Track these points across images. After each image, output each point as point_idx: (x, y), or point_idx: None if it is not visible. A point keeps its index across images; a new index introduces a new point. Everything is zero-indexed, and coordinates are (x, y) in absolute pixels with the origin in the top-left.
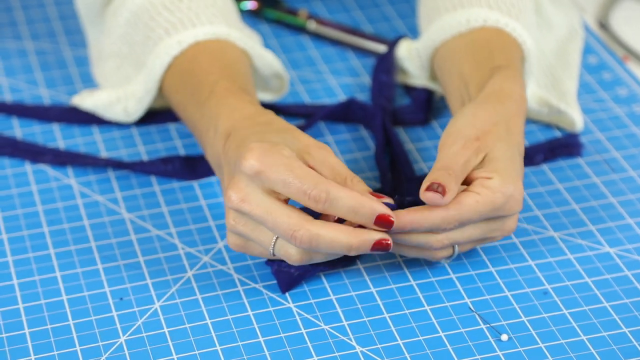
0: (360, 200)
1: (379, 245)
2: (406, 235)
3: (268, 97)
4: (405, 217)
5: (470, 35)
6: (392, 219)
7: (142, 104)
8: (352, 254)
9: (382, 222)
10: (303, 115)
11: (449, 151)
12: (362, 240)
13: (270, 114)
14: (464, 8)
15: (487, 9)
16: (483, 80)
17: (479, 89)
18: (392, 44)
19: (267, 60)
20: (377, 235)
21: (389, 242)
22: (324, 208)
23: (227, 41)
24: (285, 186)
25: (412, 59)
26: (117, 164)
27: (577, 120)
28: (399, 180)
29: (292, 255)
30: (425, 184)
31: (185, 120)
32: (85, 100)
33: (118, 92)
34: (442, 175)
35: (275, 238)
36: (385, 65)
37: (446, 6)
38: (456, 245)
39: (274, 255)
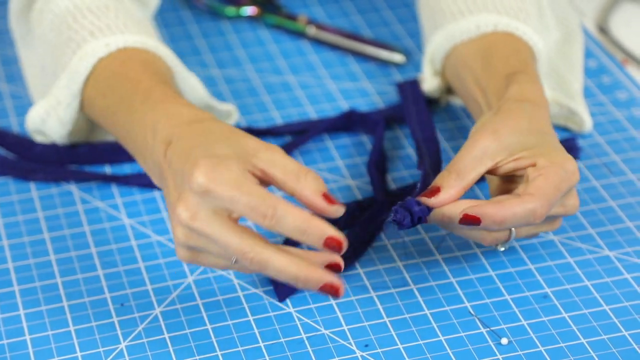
0: (309, 220)
1: (327, 289)
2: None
3: None
4: (490, 210)
5: (482, 40)
6: (343, 242)
7: (71, 110)
8: (299, 286)
9: (332, 246)
10: (302, 131)
11: (459, 152)
12: (311, 278)
13: (211, 119)
14: (472, 14)
15: (496, 14)
16: (500, 86)
17: (498, 96)
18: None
19: (191, 83)
20: (327, 278)
21: (339, 288)
22: (271, 225)
23: (155, 54)
24: (233, 203)
25: (426, 66)
26: (112, 179)
27: (586, 120)
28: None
29: (246, 266)
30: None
31: (113, 127)
32: (28, 125)
33: (44, 105)
34: (440, 176)
35: None
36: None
37: (453, 11)
38: (513, 230)
39: (234, 264)
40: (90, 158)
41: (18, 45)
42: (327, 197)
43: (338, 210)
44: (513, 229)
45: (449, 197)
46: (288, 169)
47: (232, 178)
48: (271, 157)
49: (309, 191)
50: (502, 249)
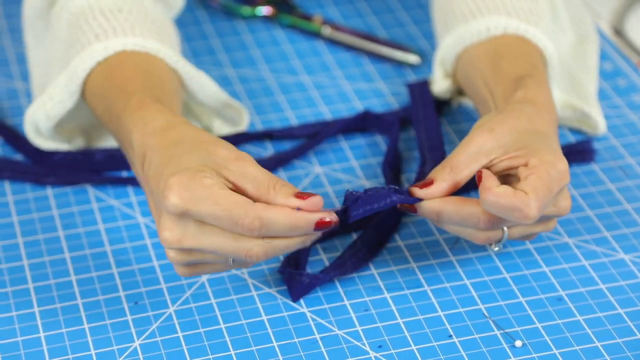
0: (295, 215)
1: (321, 226)
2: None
3: (226, 129)
4: (488, 183)
5: (492, 43)
6: (332, 220)
7: (61, 107)
8: (299, 246)
9: (322, 227)
10: (317, 133)
11: (456, 148)
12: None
13: (181, 125)
14: (483, 16)
15: (507, 16)
16: (509, 89)
17: (505, 99)
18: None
19: (201, 81)
20: (314, 217)
21: (329, 218)
22: (260, 234)
23: (155, 57)
24: (215, 219)
25: (436, 68)
26: (126, 181)
27: (600, 122)
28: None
29: (250, 262)
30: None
31: (110, 132)
32: (25, 121)
33: (37, 100)
34: (435, 169)
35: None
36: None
37: (464, 13)
38: (506, 229)
39: (232, 264)
40: (107, 165)
41: (29, 44)
42: (299, 196)
43: (316, 201)
44: (505, 228)
45: (440, 190)
46: (259, 180)
47: (207, 194)
48: (241, 169)
49: (282, 198)
50: (496, 249)
